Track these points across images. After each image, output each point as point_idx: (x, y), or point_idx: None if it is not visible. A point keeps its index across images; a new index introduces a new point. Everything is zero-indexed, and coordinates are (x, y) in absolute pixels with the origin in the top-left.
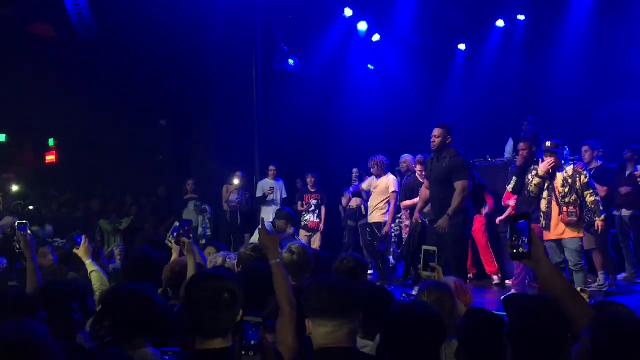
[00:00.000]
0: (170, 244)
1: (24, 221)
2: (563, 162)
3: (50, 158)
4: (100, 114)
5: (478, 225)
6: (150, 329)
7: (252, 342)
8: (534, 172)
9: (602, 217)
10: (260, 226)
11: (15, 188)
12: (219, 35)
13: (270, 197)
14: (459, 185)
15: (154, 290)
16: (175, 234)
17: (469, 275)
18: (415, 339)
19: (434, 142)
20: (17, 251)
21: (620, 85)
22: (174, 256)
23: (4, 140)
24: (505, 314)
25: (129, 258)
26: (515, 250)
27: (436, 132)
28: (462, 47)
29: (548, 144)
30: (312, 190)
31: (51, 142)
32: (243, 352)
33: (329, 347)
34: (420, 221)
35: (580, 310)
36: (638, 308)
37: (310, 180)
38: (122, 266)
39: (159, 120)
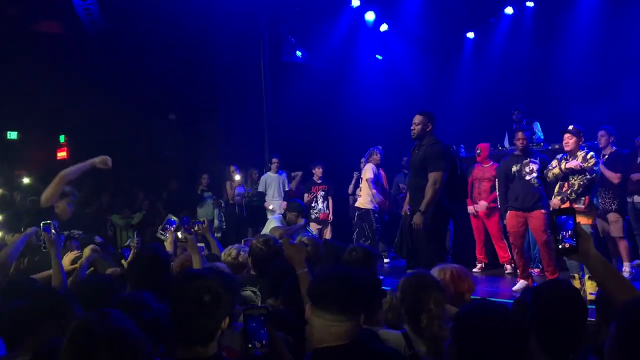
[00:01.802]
0: (162, 237)
1: (49, 221)
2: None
3: (62, 154)
4: (109, 109)
5: (492, 215)
6: None
7: (264, 342)
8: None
9: (567, 200)
10: (272, 225)
11: (26, 180)
12: (227, 29)
13: (271, 207)
14: (431, 176)
15: None
16: (169, 228)
17: (480, 265)
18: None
19: (414, 129)
20: (44, 250)
21: (631, 72)
22: (168, 248)
23: (16, 137)
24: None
25: (135, 258)
26: (560, 246)
27: (416, 119)
28: (470, 35)
29: (571, 127)
30: (319, 182)
31: (62, 138)
32: (250, 345)
33: (327, 348)
34: (408, 213)
35: None
36: None
37: (317, 171)
38: (128, 265)
39: (168, 115)
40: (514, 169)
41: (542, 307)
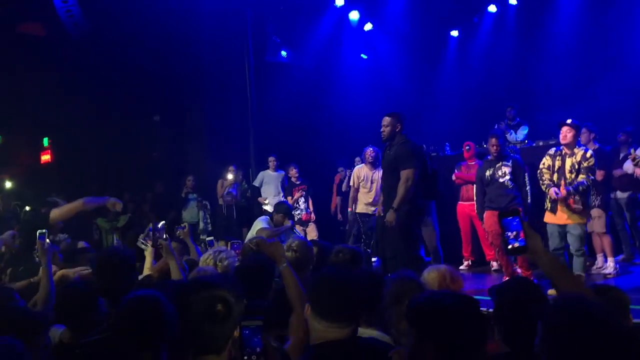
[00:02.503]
0: (143, 246)
1: (44, 230)
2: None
3: (46, 158)
4: (93, 112)
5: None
6: None
7: (257, 349)
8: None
9: (572, 195)
10: (259, 227)
11: (8, 184)
12: (210, 29)
13: (267, 202)
14: (403, 174)
15: None
16: (150, 236)
17: (467, 262)
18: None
19: (383, 131)
20: (37, 259)
21: (613, 69)
22: (148, 259)
23: None
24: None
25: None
26: (510, 246)
27: (384, 121)
28: (454, 33)
29: (569, 121)
30: (297, 183)
31: (46, 141)
32: (245, 358)
33: (328, 342)
34: (382, 214)
35: None
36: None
37: (293, 172)
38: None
39: (152, 117)
40: (488, 173)
41: (502, 304)
